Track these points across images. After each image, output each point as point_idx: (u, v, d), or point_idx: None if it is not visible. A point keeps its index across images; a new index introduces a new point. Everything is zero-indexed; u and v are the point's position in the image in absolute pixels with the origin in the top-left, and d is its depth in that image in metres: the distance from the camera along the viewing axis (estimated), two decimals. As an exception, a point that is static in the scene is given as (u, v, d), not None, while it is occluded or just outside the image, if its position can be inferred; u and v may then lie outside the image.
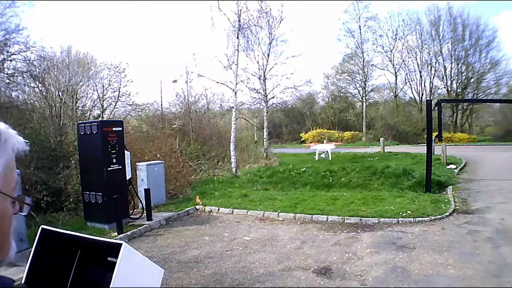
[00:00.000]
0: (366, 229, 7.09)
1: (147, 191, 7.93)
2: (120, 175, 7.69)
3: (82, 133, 7.64)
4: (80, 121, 8.55)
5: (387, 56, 35.76)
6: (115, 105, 20.13)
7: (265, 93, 18.49)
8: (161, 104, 20.80)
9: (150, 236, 7.12)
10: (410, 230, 6.85)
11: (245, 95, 22.61)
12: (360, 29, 34.61)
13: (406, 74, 35.75)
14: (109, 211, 7.15)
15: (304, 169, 12.47)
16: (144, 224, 7.57)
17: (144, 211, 7.97)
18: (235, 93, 13.99)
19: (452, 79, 34.59)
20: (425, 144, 11.00)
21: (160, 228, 7.66)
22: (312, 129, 33.55)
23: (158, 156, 11.14)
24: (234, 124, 13.94)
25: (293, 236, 6.79)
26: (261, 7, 15.75)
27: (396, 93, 36.19)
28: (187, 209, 8.93)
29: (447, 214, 7.73)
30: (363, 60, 34.89)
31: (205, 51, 35.24)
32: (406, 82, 36.13)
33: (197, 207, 9.20)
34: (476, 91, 34.27)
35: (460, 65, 34.13)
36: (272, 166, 14.75)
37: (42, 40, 34.19)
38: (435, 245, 5.97)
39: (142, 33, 52.69)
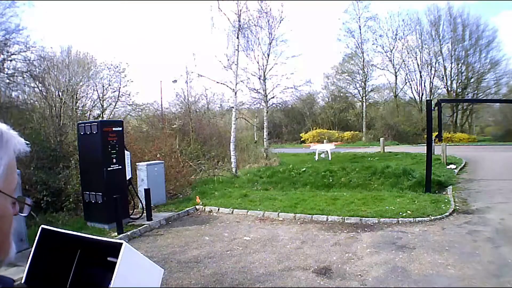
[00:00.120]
0: (366, 229, 7.09)
1: (147, 191, 7.93)
2: (120, 175, 7.69)
3: (82, 133, 7.64)
4: (80, 121, 8.55)
5: (387, 56, 35.81)
6: (115, 105, 20.15)
7: (265, 93, 18.49)
8: (161, 104, 20.83)
9: (150, 236, 7.12)
10: (410, 230, 6.85)
11: (245, 95, 22.63)
12: (360, 29, 34.66)
13: (406, 74, 35.82)
14: (109, 211, 7.15)
15: (304, 169, 12.47)
16: (144, 224, 7.57)
17: (144, 211, 7.97)
18: (235, 93, 13.99)
19: (452, 79, 34.63)
20: (425, 144, 11.00)
21: (160, 228, 7.66)
22: (312, 129, 33.55)
23: (158, 156, 11.14)
24: (234, 124, 13.94)
25: (293, 236, 6.79)
26: (261, 7, 15.77)
27: (396, 93, 36.20)
28: (187, 209, 8.93)
29: (447, 214, 7.73)
30: (363, 60, 34.90)
31: (205, 51, 35.27)
32: (406, 82, 36.19)
33: (197, 207, 9.20)
34: (476, 91, 34.28)
35: (460, 65, 34.15)
36: (272, 166, 14.75)
37: (42, 40, 34.24)
38: (435, 245, 5.97)
39: (142, 33, 52.74)
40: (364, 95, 35.08)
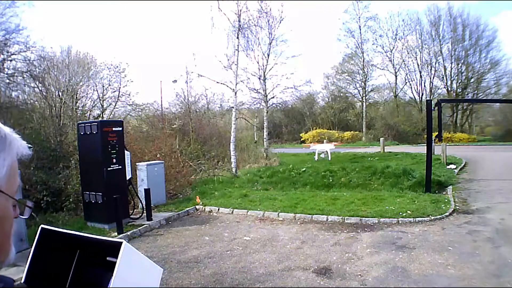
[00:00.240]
0: (366, 229, 7.09)
1: (147, 191, 7.93)
2: (120, 175, 7.69)
3: (82, 133, 7.64)
4: (80, 121, 8.55)
5: (387, 56, 35.83)
6: (115, 105, 20.11)
7: (265, 93, 18.49)
8: (161, 104, 20.83)
9: (150, 236, 7.12)
10: (410, 230, 6.85)
11: (245, 95, 22.65)
12: (360, 29, 34.69)
13: (406, 74, 35.84)
14: (109, 211, 7.15)
15: (304, 169, 12.47)
16: (144, 224, 7.57)
17: (144, 211, 7.97)
18: (235, 93, 13.99)
19: (452, 79, 34.64)
20: (425, 144, 11.00)
21: (160, 228, 7.66)
22: (312, 129, 33.55)
23: (158, 156, 11.14)
24: (234, 124, 13.94)
25: (293, 236, 6.78)
26: (261, 7, 15.77)
27: (396, 93, 36.21)
28: (187, 209, 8.93)
29: (447, 214, 7.73)
30: (363, 60, 34.91)
31: (205, 51, 35.27)
32: (406, 82, 36.21)
33: (197, 207, 9.20)
34: (476, 91, 34.29)
35: (460, 65, 34.17)
36: (272, 166, 14.75)
37: (42, 40, 34.20)
38: (435, 245, 5.97)
39: (142, 33, 52.74)
40: (364, 95, 35.09)
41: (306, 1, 47.36)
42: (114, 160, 7.58)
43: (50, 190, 8.27)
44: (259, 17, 15.77)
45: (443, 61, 34.53)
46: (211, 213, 8.84)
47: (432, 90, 35.33)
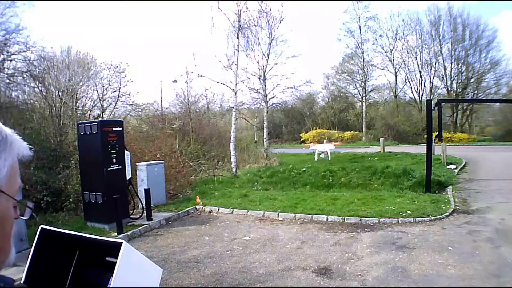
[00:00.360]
0: (366, 229, 7.09)
1: (147, 191, 7.93)
2: (120, 175, 7.69)
3: (82, 133, 7.64)
4: (80, 121, 8.55)
5: (387, 56, 35.83)
6: (115, 105, 20.11)
7: (265, 93, 18.49)
8: (161, 104, 20.82)
9: (150, 236, 7.12)
10: (410, 230, 6.85)
11: (245, 95, 22.66)
12: (360, 29, 34.68)
13: (406, 74, 35.84)
14: (109, 211, 7.15)
15: (304, 169, 12.47)
16: (144, 224, 7.57)
17: (144, 211, 7.97)
18: (235, 93, 13.99)
19: (452, 79, 34.64)
20: (425, 144, 11.00)
21: (160, 228, 7.66)
22: (312, 129, 33.55)
23: (158, 156, 11.14)
24: (234, 124, 13.94)
25: (293, 236, 6.78)
26: (261, 7, 15.77)
27: (396, 93, 36.21)
28: (187, 209, 8.93)
29: (447, 214, 7.73)
30: (363, 60, 34.91)
31: (205, 51, 35.28)
32: (406, 82, 36.21)
33: (197, 207, 9.20)
34: (476, 91, 34.28)
35: (460, 65, 34.16)
36: (272, 166, 14.75)
37: (42, 40, 34.19)
38: (435, 245, 5.97)
39: (142, 33, 52.76)
40: (364, 95, 35.09)
41: (306, 1, 47.42)
42: (114, 160, 7.58)
43: (50, 190, 8.28)
44: (259, 17, 15.78)
45: (443, 61, 34.57)
46: (211, 213, 8.84)
47: (432, 90, 35.34)
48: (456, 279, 4.72)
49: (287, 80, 28.82)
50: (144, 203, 8.04)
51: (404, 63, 35.53)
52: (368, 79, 35.35)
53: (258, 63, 17.95)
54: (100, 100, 19.75)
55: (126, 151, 7.93)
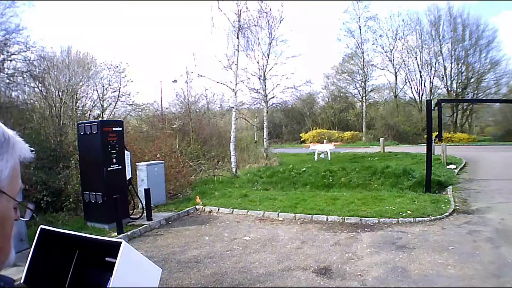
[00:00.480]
0: (366, 229, 7.09)
1: (147, 191, 7.93)
2: (120, 175, 7.69)
3: (82, 133, 7.64)
4: (80, 121, 8.55)
5: (387, 56, 35.84)
6: (115, 105, 20.10)
7: (265, 93, 18.49)
8: (161, 104, 20.82)
9: (150, 236, 7.12)
10: (410, 230, 6.85)
11: (245, 95, 22.65)
12: (360, 29, 34.69)
13: (406, 74, 35.85)
14: (109, 211, 7.15)
15: (304, 169, 12.47)
16: (144, 224, 7.57)
17: (144, 211, 7.97)
18: (235, 93, 13.99)
19: (452, 79, 34.64)
20: (425, 144, 11.00)
21: (160, 228, 7.66)
22: (312, 129, 33.55)
23: (158, 156, 11.14)
24: (234, 124, 13.94)
25: (293, 236, 6.78)
26: (261, 7, 15.77)
27: (396, 93, 36.22)
28: (187, 209, 8.93)
29: (447, 214, 7.73)
30: (363, 60, 34.92)
31: (205, 51, 35.22)
32: (406, 82, 36.22)
33: (197, 207, 9.20)
34: (476, 91, 34.29)
35: (460, 65, 34.17)
36: (272, 166, 14.75)
37: (42, 40, 34.17)
38: (435, 245, 5.97)
39: (142, 33, 52.76)
40: (364, 95, 35.10)
41: (306, 1, 47.42)
42: (114, 160, 7.58)
43: (50, 190, 8.27)
44: (259, 17, 15.78)
45: (443, 61, 34.58)
46: (211, 213, 8.84)
47: (432, 90, 35.34)
48: (456, 279, 4.72)
49: (287, 80, 28.79)
50: (144, 203, 8.04)
51: (404, 63, 35.59)
52: (368, 79, 35.42)
53: (258, 63, 17.97)
54: (100, 100, 19.75)
55: (126, 151, 7.93)
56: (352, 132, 33.95)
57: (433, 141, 11.74)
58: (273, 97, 19.86)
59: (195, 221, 8.24)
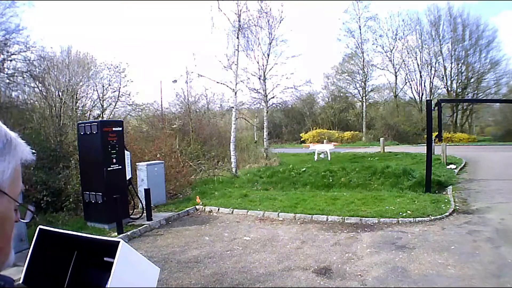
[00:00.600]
0: (366, 229, 7.09)
1: (147, 191, 7.93)
2: (120, 175, 7.68)
3: (82, 133, 7.64)
4: (80, 121, 8.55)
5: (387, 56, 35.84)
6: (115, 105, 20.10)
7: (265, 93, 18.49)
8: (161, 104, 20.81)
9: (150, 236, 7.12)
10: (410, 230, 6.85)
11: (245, 95, 22.65)
12: (360, 29, 34.70)
13: (406, 74, 35.85)
14: (109, 211, 7.15)
15: (304, 169, 12.47)
16: (144, 224, 7.57)
17: (144, 211, 7.97)
18: (235, 93, 13.99)
19: (452, 79, 34.64)
20: (425, 144, 11.00)
21: (160, 228, 7.66)
22: (312, 129, 33.54)
23: (158, 156, 11.13)
24: (234, 124, 13.94)
25: (293, 236, 6.78)
26: (261, 7, 15.76)
27: (396, 93, 36.22)
28: (187, 209, 8.93)
29: (447, 214, 7.73)
30: (363, 60, 34.92)
31: (205, 51, 35.21)
32: (406, 82, 36.22)
33: (197, 207, 9.20)
34: (476, 91, 34.29)
35: (460, 65, 34.17)
36: (272, 166, 14.75)
37: (42, 40, 34.20)
38: (435, 245, 5.97)
39: (142, 33, 52.75)
40: (364, 95, 35.10)
41: (306, 1, 47.42)
42: (114, 160, 7.58)
43: (50, 190, 8.27)
44: (259, 17, 15.78)
45: (443, 61, 34.58)
46: (211, 213, 8.84)
47: (432, 90, 35.35)
48: (456, 279, 4.72)
49: (287, 80, 28.79)
50: (144, 203, 8.04)
51: (404, 63, 35.60)
52: (368, 79, 35.43)
53: (258, 63, 17.98)
54: (100, 100, 19.75)
55: (126, 151, 7.93)
56: (352, 132, 33.94)
57: (433, 141, 11.74)
58: (273, 97, 19.88)
59: (195, 221, 8.24)
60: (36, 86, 14.04)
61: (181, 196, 10.62)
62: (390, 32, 35.60)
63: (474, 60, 33.87)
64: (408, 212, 7.83)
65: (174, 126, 15.20)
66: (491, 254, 5.52)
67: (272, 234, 6.98)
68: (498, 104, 33.36)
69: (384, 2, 50.09)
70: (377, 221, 7.44)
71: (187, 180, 11.79)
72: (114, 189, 7.20)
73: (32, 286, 1.00)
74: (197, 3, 34.47)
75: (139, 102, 20.37)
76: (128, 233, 7.00)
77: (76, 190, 8.26)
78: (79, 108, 16.04)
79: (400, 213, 7.76)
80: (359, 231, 6.98)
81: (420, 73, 35.31)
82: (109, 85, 19.73)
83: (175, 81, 18.08)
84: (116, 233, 6.92)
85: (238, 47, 13.85)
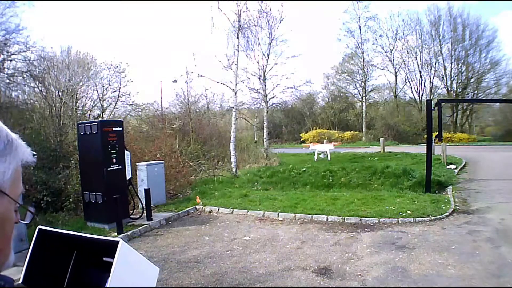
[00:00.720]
0: (366, 229, 7.09)
1: (147, 191, 7.93)
2: (120, 175, 7.68)
3: (82, 133, 7.64)
4: (80, 121, 8.55)
5: (387, 56, 35.84)
6: (115, 105, 20.11)
7: (265, 93, 18.49)
8: (161, 104, 20.81)
9: (150, 236, 7.12)
10: (410, 230, 6.84)
11: (245, 95, 22.65)
12: (360, 29, 34.70)
13: (406, 74, 35.86)
14: (109, 211, 7.15)
15: (304, 169, 12.47)
16: (144, 224, 7.57)
17: (144, 211, 7.96)
18: (235, 93, 13.99)
19: (452, 79, 34.64)
20: (425, 144, 11.00)
21: (160, 228, 7.66)
22: (312, 129, 33.55)
23: (158, 156, 11.13)
24: (234, 124, 13.94)
25: (293, 236, 6.78)
26: (261, 7, 15.77)
27: (396, 93, 36.22)
28: (187, 209, 8.93)
29: (447, 214, 7.73)
30: (363, 60, 34.92)
31: (205, 51, 35.20)
32: (406, 82, 36.22)
33: (197, 207, 9.20)
34: (476, 91, 34.29)
35: (460, 65, 34.17)
36: (272, 166, 14.75)
37: (42, 40, 34.18)
38: (435, 245, 5.97)
39: (142, 33, 52.76)
40: (364, 95, 35.10)
41: (306, 1, 47.42)
42: (114, 160, 7.58)
43: (50, 190, 8.27)
44: (259, 17, 15.78)
45: (443, 61, 34.58)
46: (211, 213, 8.84)
47: (432, 90, 35.35)
48: (456, 279, 4.72)
49: (287, 80, 28.79)
50: (144, 203, 8.04)
51: (404, 63, 35.60)
52: (368, 79, 35.42)
53: (258, 63, 17.98)
54: (100, 100, 19.75)
55: (126, 151, 7.93)
56: (352, 132, 33.95)
57: (433, 141, 11.74)
58: (273, 97, 19.89)
59: (195, 221, 8.24)
60: (36, 86, 14.04)
61: (181, 196, 10.62)
62: (390, 32, 35.66)
63: (474, 60, 33.92)
64: (408, 212, 7.83)
65: (174, 126, 15.20)
66: (491, 254, 5.52)
67: (272, 234, 6.98)
68: (498, 104, 33.37)
69: (384, 2, 50.14)
70: (377, 221, 7.44)
71: (187, 180, 11.79)
72: (114, 189, 7.20)
73: (32, 286, 1.00)
74: (197, 3, 34.51)
75: (139, 102, 20.41)
76: (128, 233, 7.00)
77: (76, 190, 8.25)
78: (79, 108, 16.04)
79: (400, 213, 7.76)
80: (359, 231, 6.98)
81: (420, 73, 35.35)
82: (109, 85, 19.76)
83: (175, 81, 18.10)
84: (116, 233, 6.92)
85: (238, 47, 13.86)
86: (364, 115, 34.02)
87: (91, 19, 46.45)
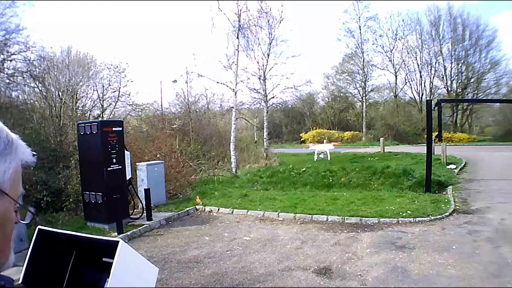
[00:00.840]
0: (366, 229, 7.08)
1: (147, 191, 7.93)
2: (120, 175, 7.68)
3: (82, 133, 7.64)
4: (80, 121, 8.54)
5: (387, 56, 35.80)
6: (115, 105, 20.10)
7: (265, 93, 18.49)
8: (161, 104, 20.82)
9: (150, 236, 7.12)
10: (410, 230, 6.84)
11: (245, 95, 22.64)
12: (360, 29, 34.67)
13: (406, 74, 35.81)
14: (109, 211, 7.15)
15: (304, 169, 12.47)
16: (144, 224, 7.57)
17: (144, 211, 7.96)
18: (235, 93, 14.00)
19: (452, 79, 34.61)
20: (425, 144, 11.00)
21: (160, 228, 7.66)
22: (312, 129, 33.55)
23: (158, 156, 11.13)
24: (234, 124, 13.95)
25: (293, 236, 6.78)
26: (261, 7, 15.78)
27: (396, 93, 36.20)
28: (187, 209, 8.93)
29: (447, 214, 7.73)
30: (363, 60, 34.90)
31: (205, 51, 35.25)
32: (406, 82, 36.18)
33: (197, 207, 9.20)
34: (476, 91, 34.26)
35: (460, 65, 34.14)
36: (272, 166, 14.76)
37: (42, 40, 34.18)
38: (435, 245, 5.97)
39: (142, 33, 52.76)
40: (364, 95, 35.10)
41: (306, 1, 47.42)
42: (114, 160, 7.58)
43: (50, 190, 8.27)
44: (259, 17, 15.78)
45: (443, 61, 34.53)
46: (211, 213, 8.84)
47: (432, 90, 35.32)
48: (456, 279, 4.72)
49: (287, 80, 28.77)
50: (144, 203, 8.04)
51: (404, 63, 35.56)
52: (368, 79, 35.40)
53: (258, 63, 17.99)
54: (100, 100, 19.75)
55: (126, 151, 7.93)
56: (352, 132, 33.94)
57: (433, 141, 11.74)
58: (273, 97, 19.88)
59: (195, 221, 8.24)
60: (36, 86, 14.05)
61: (181, 196, 10.62)
62: (390, 32, 35.61)
63: (474, 60, 33.87)
64: (408, 212, 7.83)
65: (174, 126, 15.20)
66: (491, 254, 5.52)
67: (272, 234, 6.98)
68: (498, 104, 33.36)
69: (384, 2, 50.06)
70: (377, 221, 7.44)
71: (187, 180, 11.79)
72: (114, 189, 7.20)
73: (31, 286, 1.00)
74: (197, 3, 34.50)
75: (139, 102, 20.40)
76: (128, 233, 7.01)
77: (76, 190, 8.25)
78: (79, 108, 16.06)
79: (400, 213, 7.76)
80: (359, 231, 6.98)
81: (420, 73, 35.32)
82: (109, 85, 19.74)
83: (175, 81, 18.12)
84: (116, 233, 6.92)
85: (238, 47, 13.87)
86: (364, 115, 34.01)
87: (91, 19, 46.47)
